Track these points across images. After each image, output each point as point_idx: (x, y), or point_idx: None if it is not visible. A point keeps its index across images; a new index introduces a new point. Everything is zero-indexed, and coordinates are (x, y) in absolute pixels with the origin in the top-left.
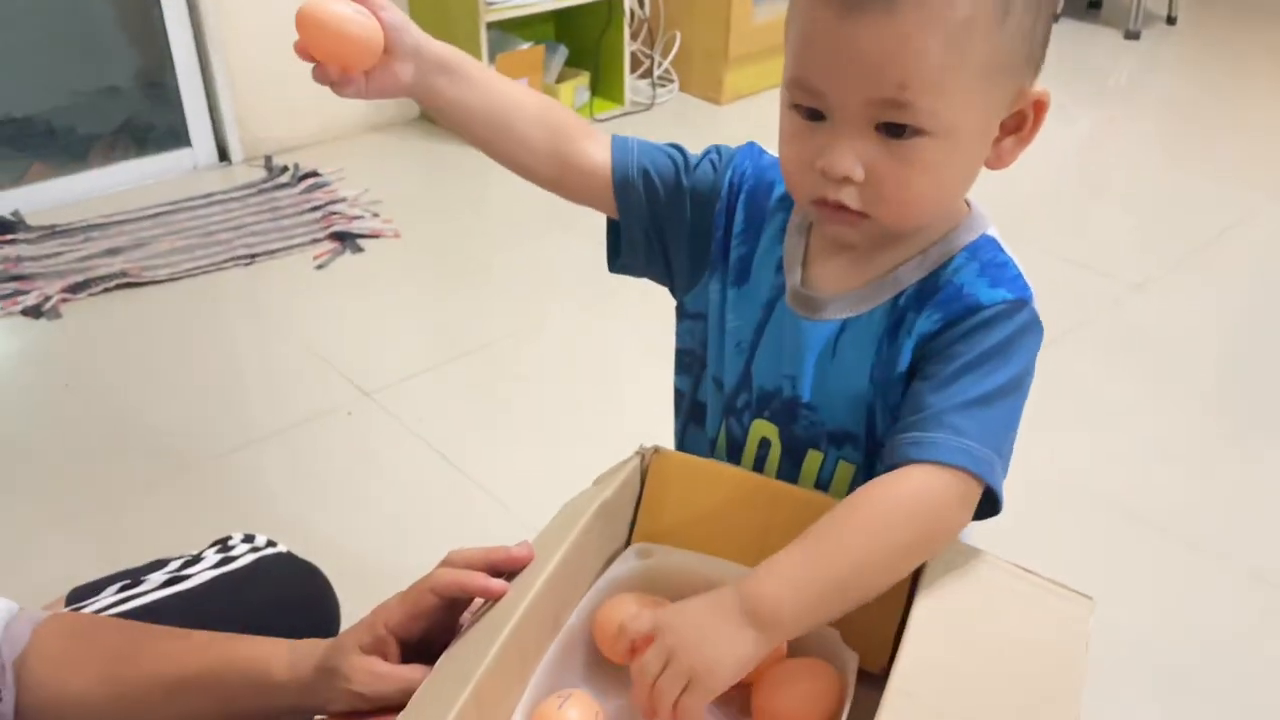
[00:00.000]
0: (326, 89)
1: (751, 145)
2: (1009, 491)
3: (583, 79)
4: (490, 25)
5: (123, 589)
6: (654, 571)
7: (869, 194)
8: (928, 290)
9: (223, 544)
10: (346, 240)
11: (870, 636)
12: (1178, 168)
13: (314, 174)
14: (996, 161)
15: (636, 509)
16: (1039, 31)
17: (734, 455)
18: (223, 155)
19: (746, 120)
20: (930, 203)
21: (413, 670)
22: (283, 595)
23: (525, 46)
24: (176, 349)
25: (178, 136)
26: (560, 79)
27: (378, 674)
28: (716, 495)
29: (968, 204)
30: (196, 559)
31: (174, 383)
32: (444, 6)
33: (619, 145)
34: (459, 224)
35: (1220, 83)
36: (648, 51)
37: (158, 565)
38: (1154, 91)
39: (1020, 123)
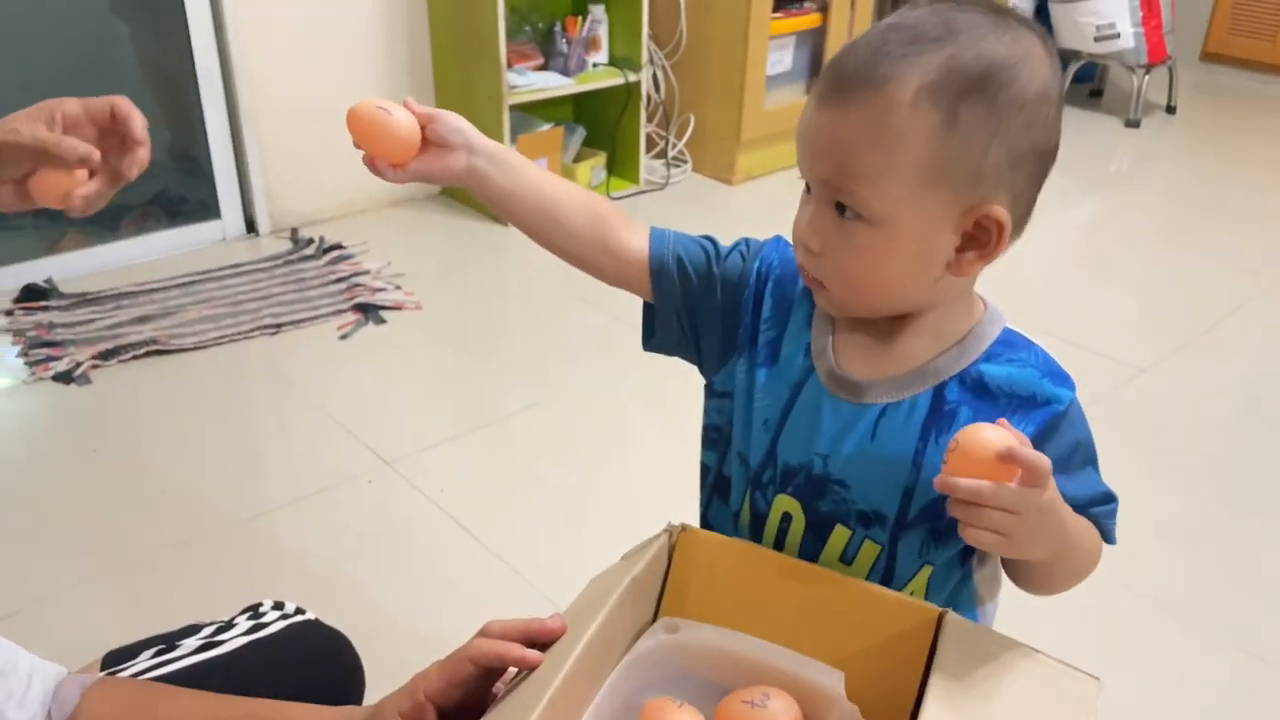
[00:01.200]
0: (351, 164)
1: (778, 239)
2: None
3: (599, 159)
4: (513, 107)
5: (158, 653)
6: (680, 645)
7: (823, 264)
8: (975, 386)
9: (254, 611)
10: (369, 311)
11: (888, 712)
12: (1178, 253)
13: (338, 246)
14: (957, 270)
15: (664, 585)
16: (997, 154)
17: (756, 528)
18: (250, 227)
19: (757, 200)
20: (874, 288)
21: None
22: (311, 661)
23: (545, 128)
24: (203, 416)
25: (208, 209)
26: (578, 159)
27: None
28: (742, 573)
29: (982, 300)
30: (229, 625)
31: (200, 449)
32: (469, 89)
33: (657, 236)
34: (480, 296)
35: (1218, 170)
36: (663, 133)
37: (191, 631)
38: (1154, 178)
39: (984, 239)
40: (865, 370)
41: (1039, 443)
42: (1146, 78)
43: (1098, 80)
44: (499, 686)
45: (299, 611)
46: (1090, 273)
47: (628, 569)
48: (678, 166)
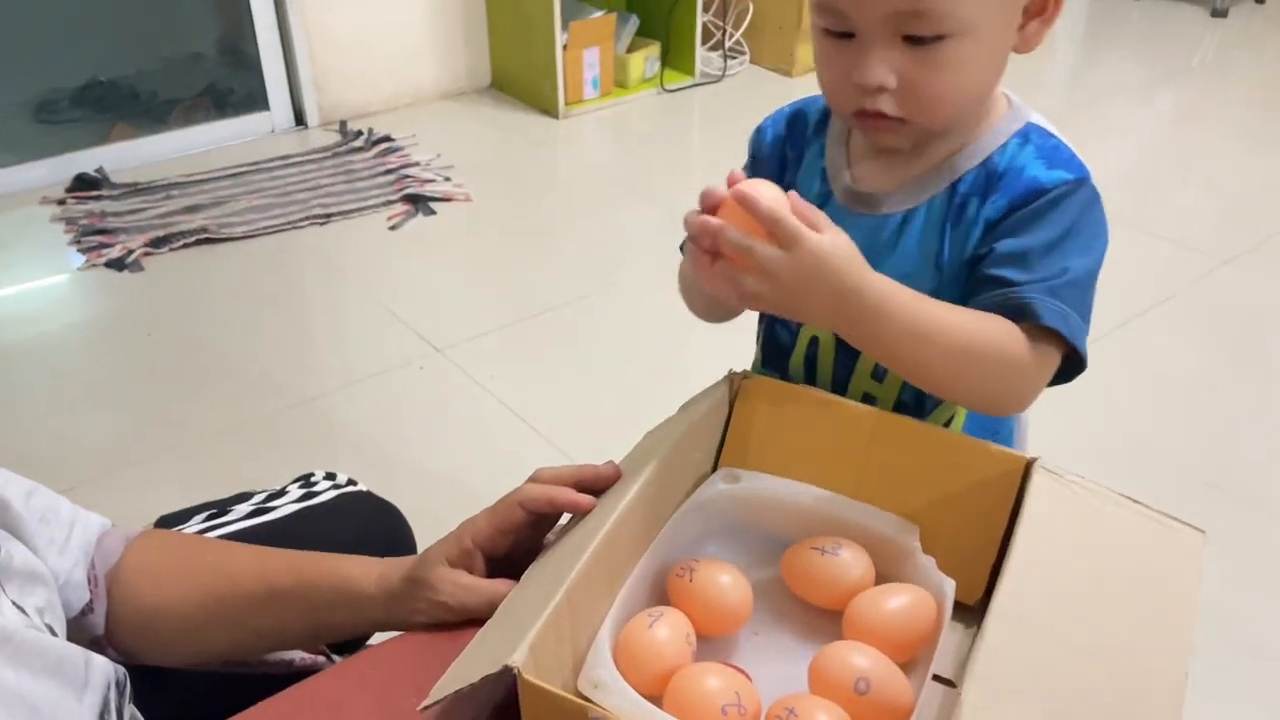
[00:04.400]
0: (400, 56)
1: (769, 116)
2: (1090, 460)
3: (653, 49)
4: None
5: (209, 518)
6: (742, 496)
7: (903, 99)
8: (985, 176)
9: (305, 480)
10: (419, 203)
11: (967, 568)
12: (1265, 146)
13: (387, 139)
14: (1024, 46)
15: (724, 434)
16: None
17: (781, 359)
18: (299, 119)
19: (817, 92)
20: (964, 98)
21: (498, 584)
22: (362, 530)
23: (597, 15)
24: (253, 303)
25: (256, 101)
26: (631, 49)
27: (464, 586)
28: (809, 422)
29: (1007, 98)
30: (280, 493)
31: (251, 334)
32: None
33: None
34: (528, 189)
35: None
36: (719, 23)
37: (243, 497)
38: (1240, 70)
39: (1043, 5)
40: (883, 182)
41: (1002, 219)
42: None
43: None
44: (550, 537)
45: (351, 482)
46: (1172, 166)
47: (686, 417)
48: (735, 58)
